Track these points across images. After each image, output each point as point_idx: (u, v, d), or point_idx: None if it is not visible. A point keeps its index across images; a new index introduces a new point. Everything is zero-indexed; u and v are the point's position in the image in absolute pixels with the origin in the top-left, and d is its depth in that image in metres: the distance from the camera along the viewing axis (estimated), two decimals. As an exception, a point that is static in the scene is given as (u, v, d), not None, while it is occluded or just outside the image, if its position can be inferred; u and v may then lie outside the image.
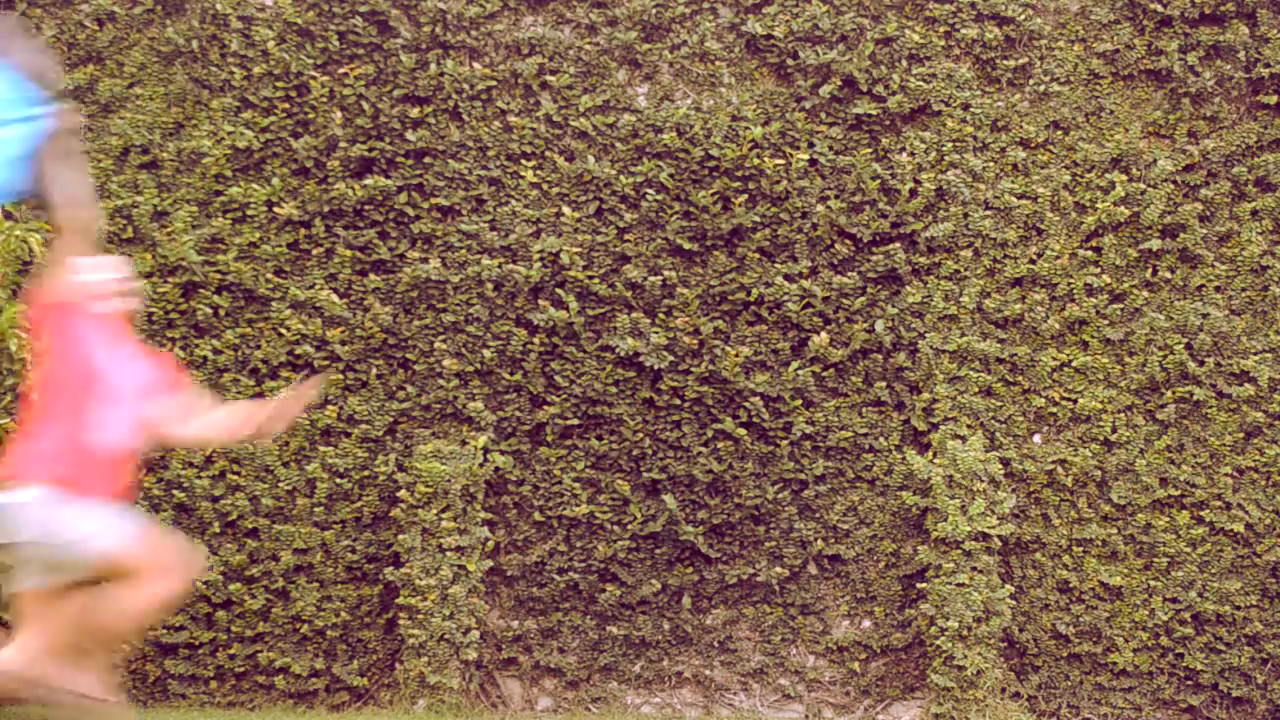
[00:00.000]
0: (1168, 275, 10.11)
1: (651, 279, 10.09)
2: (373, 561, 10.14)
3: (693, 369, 10.09)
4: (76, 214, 6.11)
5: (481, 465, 10.04)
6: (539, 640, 10.17)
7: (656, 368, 10.08)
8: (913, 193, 10.15)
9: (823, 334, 10.08)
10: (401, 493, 9.93)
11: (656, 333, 10.06)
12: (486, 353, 10.11)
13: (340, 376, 10.17)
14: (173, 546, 6.07)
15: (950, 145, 10.14)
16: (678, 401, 10.11)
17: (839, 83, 10.13)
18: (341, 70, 10.25)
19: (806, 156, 10.12)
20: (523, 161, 10.21)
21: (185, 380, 6.37)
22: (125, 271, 6.25)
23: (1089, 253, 10.13)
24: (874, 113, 10.14)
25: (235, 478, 10.13)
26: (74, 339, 6.08)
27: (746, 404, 10.07)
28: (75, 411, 6.02)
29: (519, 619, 10.20)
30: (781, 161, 10.12)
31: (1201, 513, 10.06)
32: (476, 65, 10.26)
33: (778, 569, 10.09)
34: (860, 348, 10.12)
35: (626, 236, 10.18)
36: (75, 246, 6.13)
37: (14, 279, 9.87)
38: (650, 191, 10.11)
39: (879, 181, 10.11)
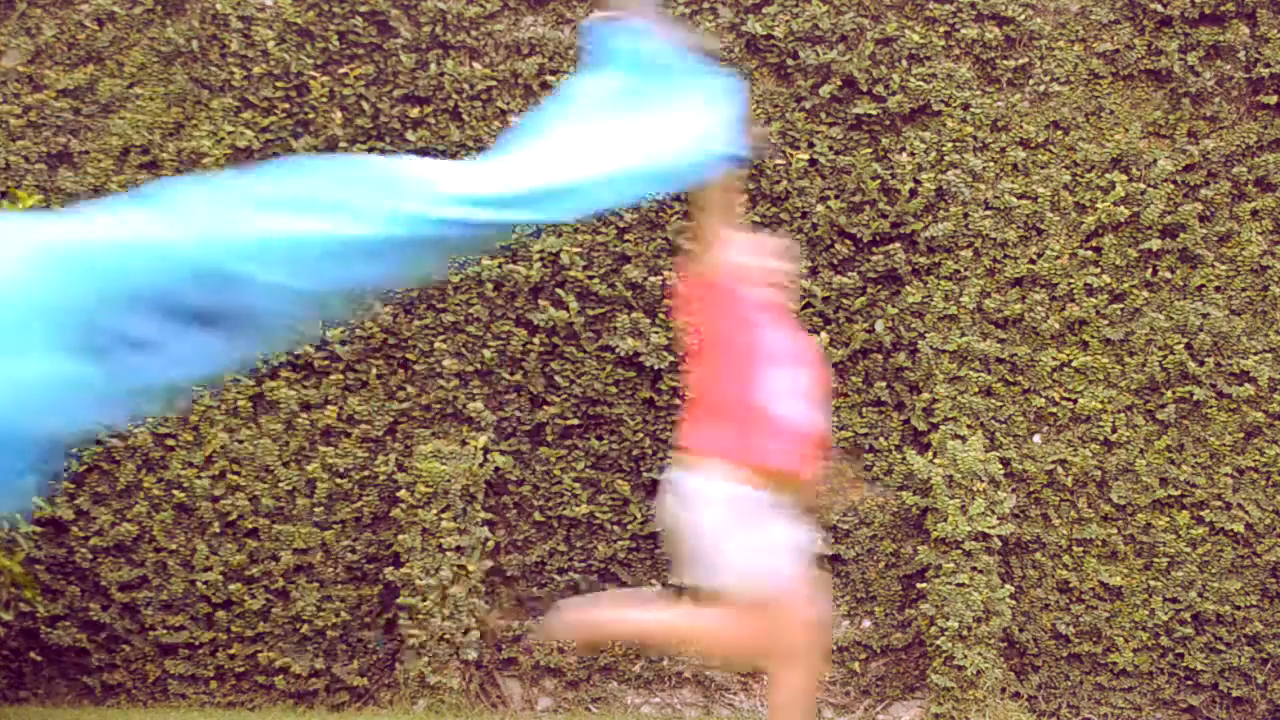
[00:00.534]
0: (1168, 275, 10.12)
1: (651, 279, 10.09)
2: (373, 561, 10.14)
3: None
4: (724, 186, 5.70)
5: (481, 465, 10.04)
6: (539, 640, 10.17)
7: (656, 367, 10.09)
8: (913, 193, 10.15)
9: (823, 334, 10.08)
10: (401, 493, 9.93)
11: (656, 332, 10.06)
12: (486, 353, 10.11)
13: (340, 377, 10.17)
14: (807, 616, 5.70)
15: (950, 145, 10.15)
16: (678, 401, 10.11)
17: (839, 83, 10.13)
18: (341, 70, 10.25)
19: (806, 156, 10.12)
20: (523, 161, 10.20)
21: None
22: (785, 251, 5.99)
23: (1089, 253, 10.13)
24: (874, 113, 10.15)
25: (235, 478, 10.13)
26: (737, 319, 5.71)
27: (746, 404, 10.07)
28: (749, 390, 5.64)
29: (519, 619, 10.20)
30: (781, 161, 10.13)
31: (1201, 513, 10.06)
32: (477, 65, 10.26)
33: (778, 569, 10.08)
34: (860, 347, 10.13)
35: (626, 236, 10.18)
36: (723, 220, 5.73)
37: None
38: (650, 191, 10.11)
39: (879, 181, 10.11)
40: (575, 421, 10.14)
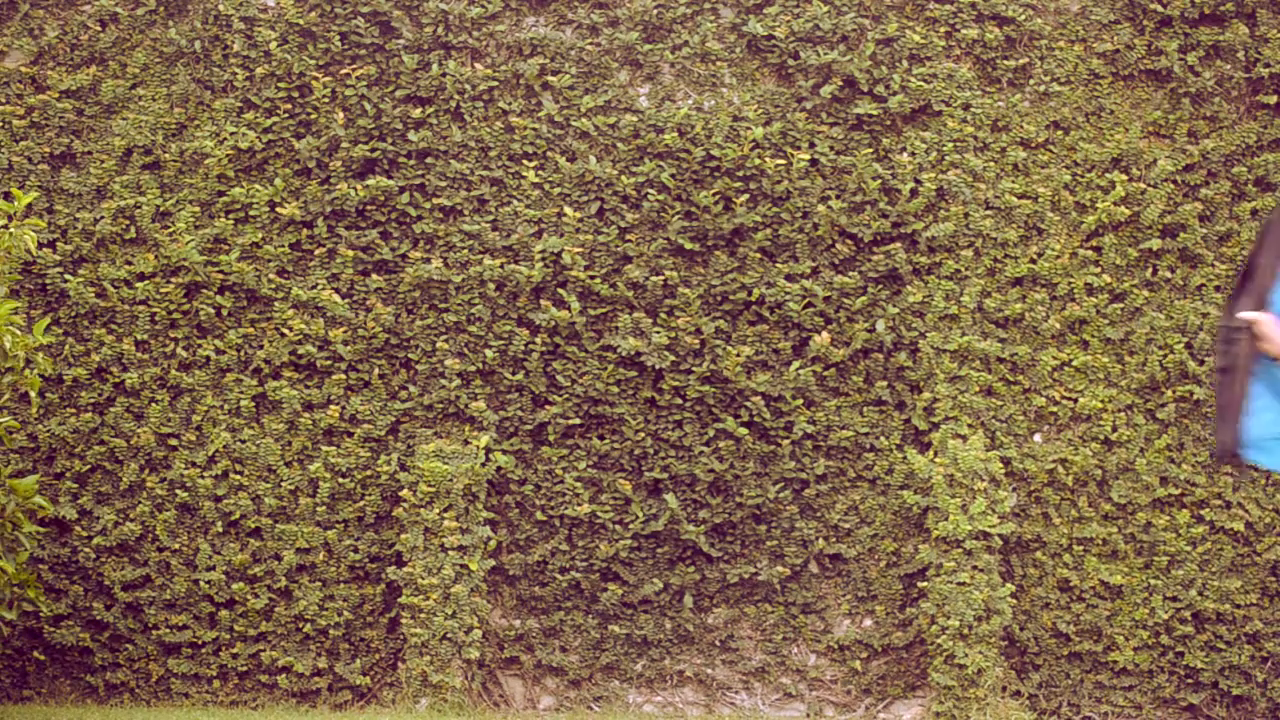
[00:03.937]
0: (1168, 275, 10.14)
1: (653, 279, 10.11)
2: (375, 561, 10.17)
3: (694, 369, 10.12)
4: None
5: (484, 465, 10.06)
6: (541, 639, 10.19)
7: (658, 367, 10.11)
8: (913, 193, 10.18)
9: (824, 334, 10.10)
10: (404, 492, 9.95)
11: (658, 332, 10.08)
12: (489, 353, 10.13)
13: (342, 376, 10.19)
14: None
15: (951, 145, 10.17)
16: (679, 401, 10.13)
17: (840, 83, 10.15)
18: (344, 71, 10.27)
19: (807, 157, 10.14)
20: (524, 162, 10.23)
21: None
22: None
23: (1089, 252, 10.16)
24: (875, 113, 10.17)
25: (238, 477, 10.16)
26: None
27: (748, 403, 10.09)
28: None
29: (521, 618, 10.23)
30: (783, 162, 10.15)
31: (1202, 511, 10.08)
32: (478, 66, 10.28)
33: (779, 568, 10.11)
34: (861, 347, 10.15)
35: (628, 237, 10.20)
36: None
37: (12, 277, 9.89)
38: (652, 192, 10.14)
39: (880, 181, 10.13)
40: (577, 421, 10.16)
